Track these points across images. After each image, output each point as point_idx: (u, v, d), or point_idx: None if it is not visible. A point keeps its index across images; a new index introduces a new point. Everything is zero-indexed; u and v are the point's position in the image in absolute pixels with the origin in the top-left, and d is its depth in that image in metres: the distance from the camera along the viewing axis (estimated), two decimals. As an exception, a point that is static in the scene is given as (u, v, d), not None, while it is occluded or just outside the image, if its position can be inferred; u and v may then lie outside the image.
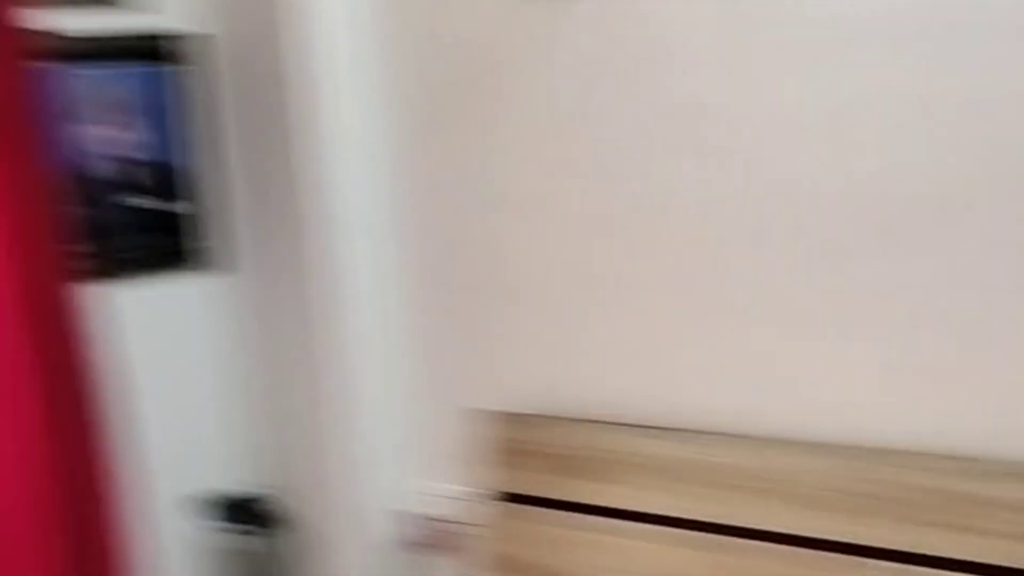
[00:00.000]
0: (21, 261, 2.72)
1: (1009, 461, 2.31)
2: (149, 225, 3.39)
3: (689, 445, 2.66)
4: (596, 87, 2.74)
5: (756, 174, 2.56)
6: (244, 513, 3.50)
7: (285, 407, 3.47)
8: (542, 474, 2.85)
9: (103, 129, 3.30)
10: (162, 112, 3.38)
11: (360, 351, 3.17)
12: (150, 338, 3.42)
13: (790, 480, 2.52)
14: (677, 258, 2.70)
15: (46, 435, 2.76)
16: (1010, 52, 2.22)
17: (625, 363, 2.82)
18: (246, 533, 3.47)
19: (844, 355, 2.52)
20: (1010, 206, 2.29)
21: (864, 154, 2.43)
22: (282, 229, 3.29)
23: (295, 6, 3.06)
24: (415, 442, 3.24)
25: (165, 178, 3.40)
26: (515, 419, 2.92)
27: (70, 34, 3.22)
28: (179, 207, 3.43)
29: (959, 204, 2.34)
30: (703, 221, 2.65)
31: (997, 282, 2.34)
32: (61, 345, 2.81)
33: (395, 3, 3.07)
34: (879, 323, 2.48)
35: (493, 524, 2.91)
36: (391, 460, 3.25)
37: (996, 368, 2.36)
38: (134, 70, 3.32)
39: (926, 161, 2.36)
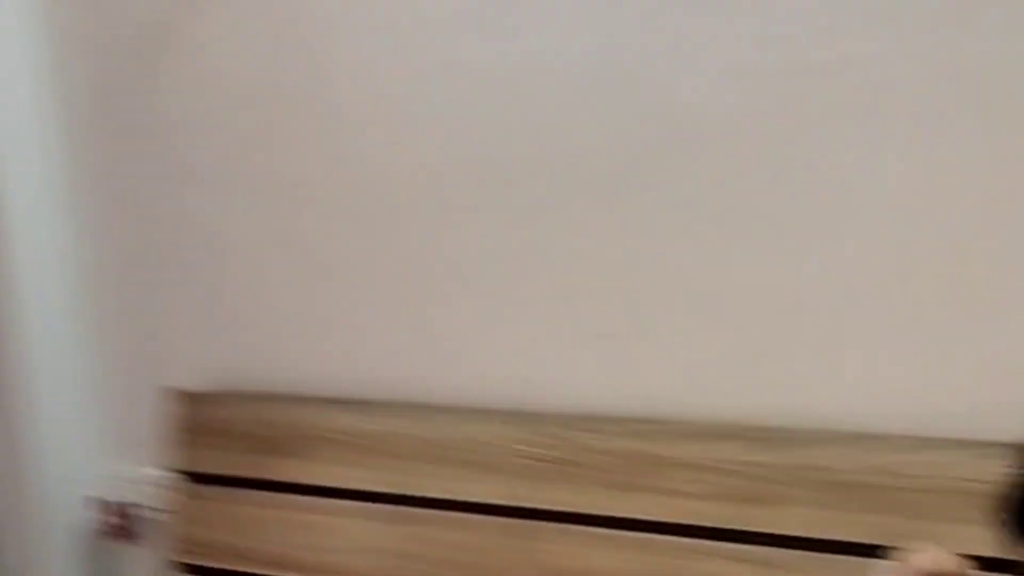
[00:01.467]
0: None
1: (686, 422, 2.40)
2: None
3: (376, 417, 2.65)
4: (280, 54, 2.68)
5: (431, 143, 2.56)
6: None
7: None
8: (231, 453, 2.80)
9: None
10: None
11: (36, 336, 3.03)
12: None
13: (472, 448, 2.55)
14: (361, 229, 2.67)
15: None
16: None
17: (311, 336, 2.79)
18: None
19: (522, 322, 2.56)
20: (676, 172, 2.35)
21: (534, 120, 2.45)
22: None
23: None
24: (107, 425, 3.13)
25: None
26: (203, 397, 2.86)
27: None
28: None
29: (618, 172, 2.40)
30: (386, 191, 2.64)
31: (664, 248, 2.40)
32: None
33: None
34: (555, 290, 2.52)
35: (183, 507, 2.84)
36: (82, 445, 3.12)
37: (672, 332, 2.42)
38: None
39: (596, 128, 2.40)
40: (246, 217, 2.81)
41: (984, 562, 1.89)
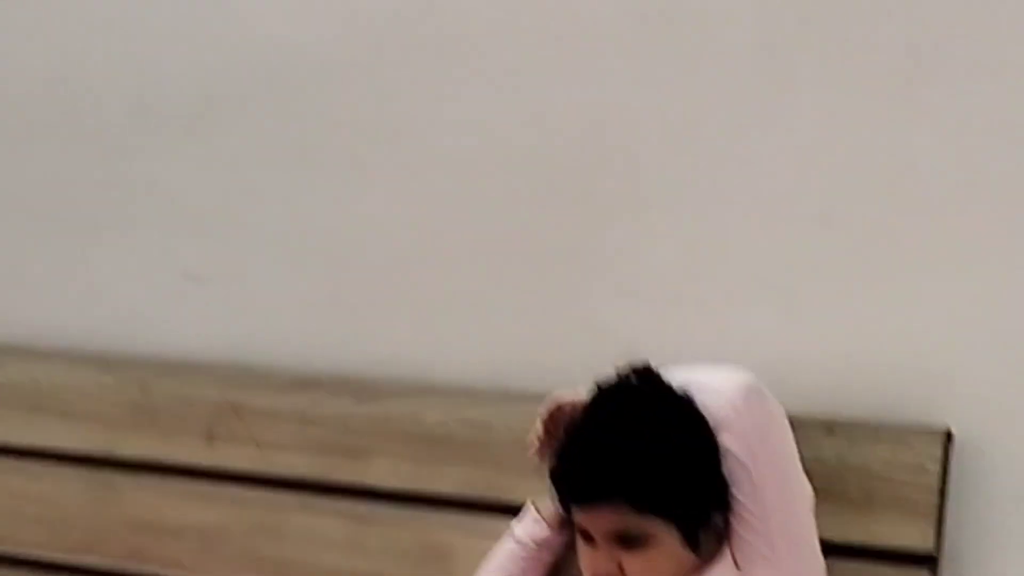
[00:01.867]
0: None
1: (275, 371, 2.32)
2: None
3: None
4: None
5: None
6: None
7: None
8: None
9: None
10: None
11: None
12: None
13: (50, 393, 2.41)
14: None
15: None
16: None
17: None
18: None
19: (104, 261, 2.43)
20: (265, 108, 2.24)
21: (110, 49, 2.27)
22: None
23: None
24: None
25: None
26: None
27: None
28: None
29: (202, 106, 2.25)
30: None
31: (254, 188, 2.28)
32: None
33: None
34: (141, 229, 2.41)
35: None
36: None
37: (260, 277, 2.32)
38: None
39: (180, 61, 2.24)
40: None
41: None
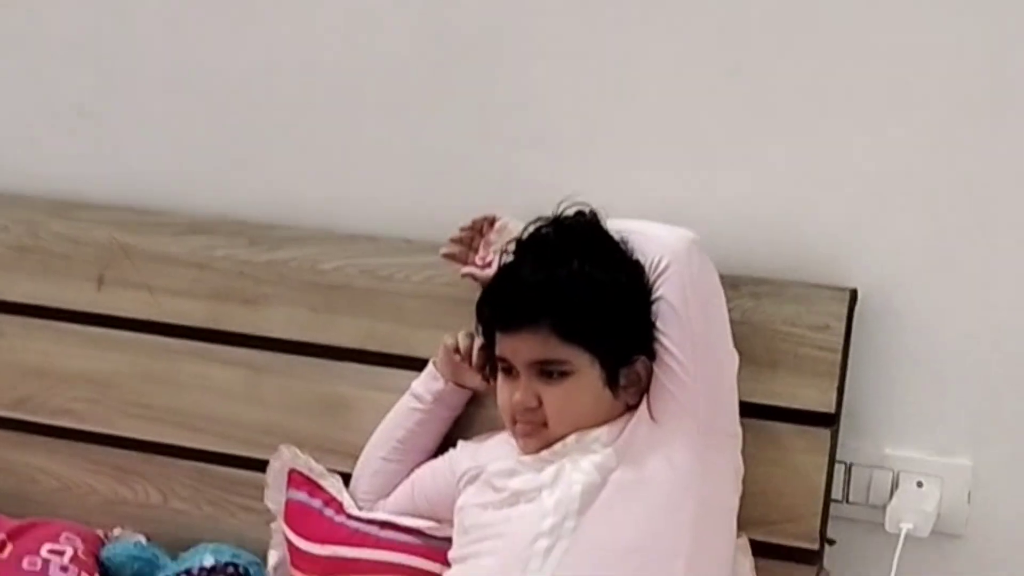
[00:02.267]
0: None
1: (167, 212, 2.22)
2: None
3: None
4: None
5: None
6: None
7: None
8: None
9: None
10: None
11: None
12: None
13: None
14: None
15: None
16: None
17: None
18: None
19: None
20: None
21: None
22: None
23: None
24: None
25: None
26: None
27: None
28: None
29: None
30: None
31: (141, 22, 2.16)
32: None
33: None
34: (17, 66, 2.27)
35: None
36: None
37: (151, 114, 2.23)
38: None
39: None
40: None
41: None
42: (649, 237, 1.77)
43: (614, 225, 1.79)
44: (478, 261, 1.93)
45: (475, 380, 1.95)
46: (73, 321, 2.24)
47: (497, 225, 1.93)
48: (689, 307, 1.73)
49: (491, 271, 1.88)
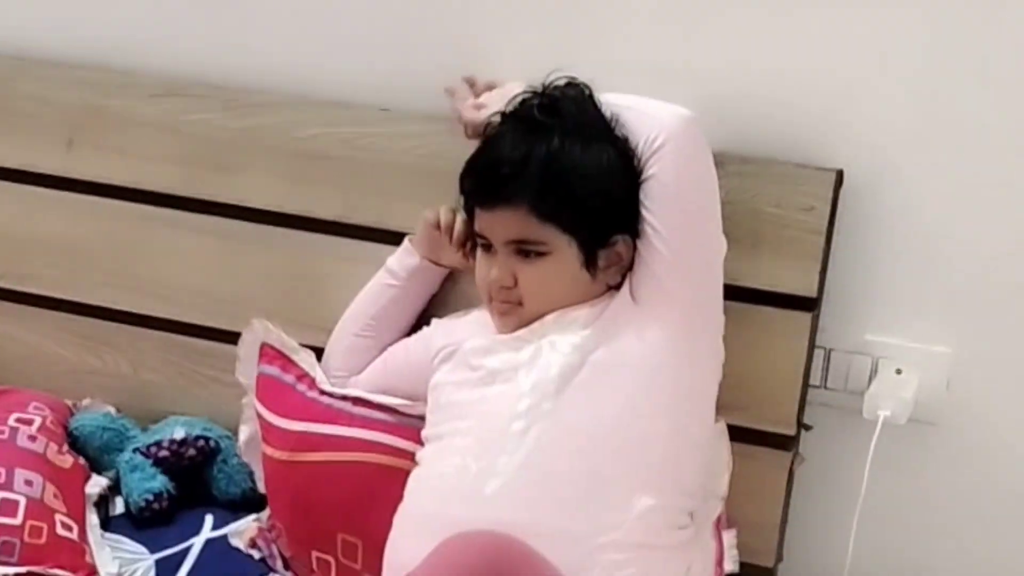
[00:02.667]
0: None
1: (140, 74, 2.15)
2: None
3: None
4: None
5: None
6: None
7: None
8: None
9: None
10: None
11: None
12: None
13: None
14: None
15: None
16: None
17: None
18: None
19: None
20: None
21: None
22: None
23: None
24: None
25: None
26: None
27: None
28: None
29: None
30: None
31: None
32: None
33: None
34: None
35: None
36: None
37: None
38: None
39: None
40: None
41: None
42: (645, 113, 1.72)
43: (608, 100, 1.74)
44: (470, 104, 1.89)
45: (453, 257, 1.92)
46: (41, 184, 2.19)
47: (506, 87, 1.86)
48: (682, 186, 1.70)
49: (481, 117, 1.83)
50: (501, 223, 1.72)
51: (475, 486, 1.66)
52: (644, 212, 1.71)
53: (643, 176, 1.71)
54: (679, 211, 1.70)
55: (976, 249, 1.84)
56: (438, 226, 1.91)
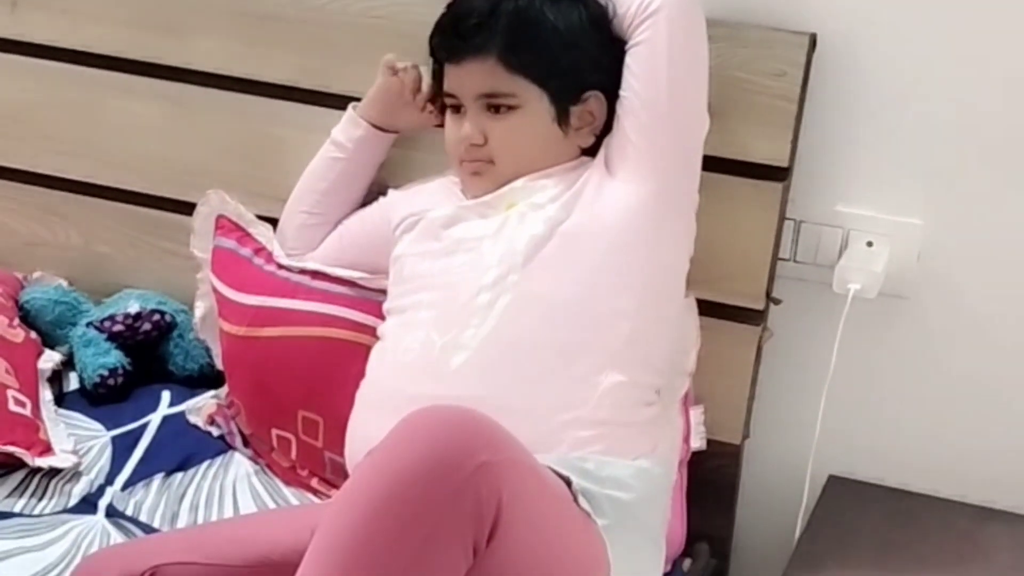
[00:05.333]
0: None
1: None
2: None
3: None
4: None
5: None
6: None
7: None
8: None
9: None
10: None
11: None
12: None
13: None
14: None
15: None
16: None
17: None
18: None
19: None
20: None
21: None
22: None
23: None
24: None
25: None
26: None
27: None
28: None
29: None
30: None
31: None
32: None
33: None
34: None
35: None
36: None
37: None
38: None
39: None
40: None
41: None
42: None
43: None
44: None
45: (410, 117, 1.87)
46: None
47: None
48: (673, 53, 1.66)
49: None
50: (470, 76, 1.69)
51: (441, 360, 1.63)
52: (629, 76, 1.68)
53: (633, 41, 1.67)
54: (667, 78, 1.66)
55: (952, 118, 1.79)
56: (396, 82, 1.85)
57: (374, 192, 1.93)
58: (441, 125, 1.79)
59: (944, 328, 1.87)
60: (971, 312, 1.86)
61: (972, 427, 1.90)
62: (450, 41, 1.71)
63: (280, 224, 1.94)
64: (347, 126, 1.89)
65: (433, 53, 1.75)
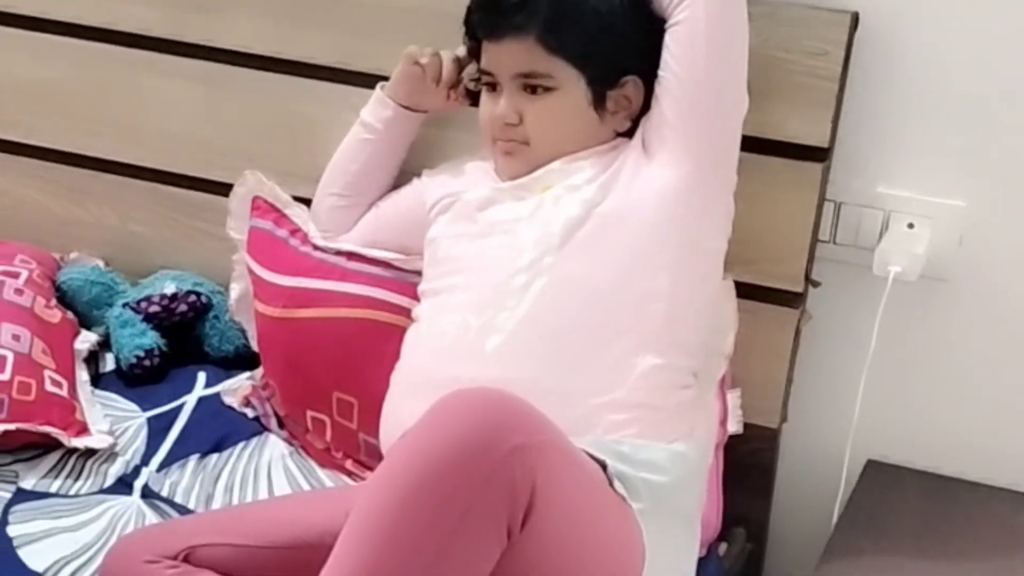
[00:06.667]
0: None
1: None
2: None
3: None
4: None
5: None
6: None
7: None
8: None
9: None
10: None
11: None
12: None
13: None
14: None
15: None
16: None
17: None
18: None
19: None
20: None
21: None
22: None
23: None
24: None
25: None
26: None
27: None
28: None
29: None
30: None
31: None
32: None
33: None
34: None
35: None
36: None
37: None
38: None
39: None
40: None
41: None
42: None
43: None
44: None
45: (435, 99, 1.85)
46: (15, 26, 2.10)
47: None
48: (712, 32, 1.64)
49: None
50: (508, 55, 1.68)
51: (476, 343, 1.63)
52: (667, 56, 1.66)
53: (672, 20, 1.65)
54: (705, 57, 1.64)
55: (996, 99, 1.76)
56: (418, 70, 1.83)
57: (406, 173, 1.92)
58: (473, 105, 1.78)
59: (986, 312, 1.84)
60: (1013, 296, 1.83)
61: (1012, 413, 1.87)
62: (490, 18, 1.70)
63: (312, 206, 1.94)
64: (376, 107, 1.88)
65: (470, 30, 1.74)
